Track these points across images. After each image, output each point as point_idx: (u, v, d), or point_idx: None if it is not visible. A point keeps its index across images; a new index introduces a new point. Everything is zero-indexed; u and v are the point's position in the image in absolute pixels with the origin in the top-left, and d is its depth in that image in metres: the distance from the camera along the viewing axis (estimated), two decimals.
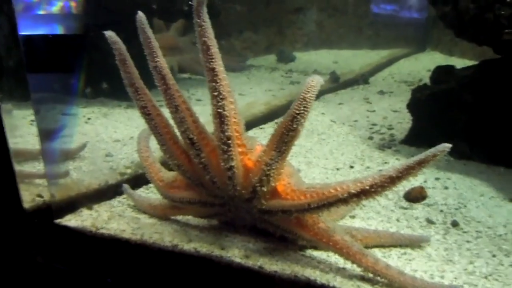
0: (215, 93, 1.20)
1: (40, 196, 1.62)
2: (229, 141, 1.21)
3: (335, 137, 2.48)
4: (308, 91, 1.10)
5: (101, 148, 2.04)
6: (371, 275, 1.19)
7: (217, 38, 1.21)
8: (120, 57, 1.31)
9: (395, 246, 1.37)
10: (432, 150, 1.05)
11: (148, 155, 1.54)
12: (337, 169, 2.00)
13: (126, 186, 1.63)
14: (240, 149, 1.25)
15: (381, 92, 3.55)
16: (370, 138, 2.46)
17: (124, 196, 1.68)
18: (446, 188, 1.83)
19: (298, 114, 1.12)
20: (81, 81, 2.29)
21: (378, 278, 1.18)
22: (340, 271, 1.24)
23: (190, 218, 1.53)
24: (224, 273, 1.31)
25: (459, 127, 2.09)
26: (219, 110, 1.21)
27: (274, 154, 1.19)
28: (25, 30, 1.78)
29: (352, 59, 4.86)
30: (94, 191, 1.68)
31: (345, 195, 1.13)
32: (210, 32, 1.19)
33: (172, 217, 1.53)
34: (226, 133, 1.21)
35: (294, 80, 4.02)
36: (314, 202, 1.17)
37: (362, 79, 3.91)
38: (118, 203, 1.64)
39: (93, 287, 1.50)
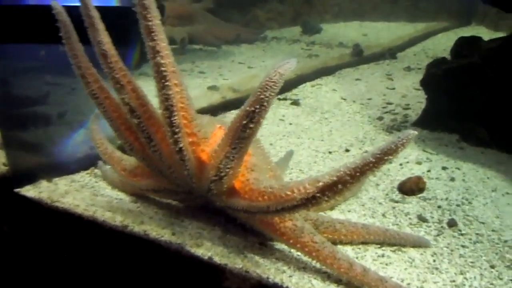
0: (157, 74, 1.04)
1: (5, 165, 1.56)
2: (176, 130, 1.06)
3: (339, 116, 2.24)
4: (267, 88, 0.91)
5: (77, 120, 1.94)
6: (343, 278, 1.03)
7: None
8: (64, 30, 1.18)
9: (389, 245, 1.18)
10: (395, 140, 0.84)
11: (105, 147, 1.43)
12: (330, 152, 1.79)
13: (101, 163, 1.56)
14: (190, 139, 1.10)
15: (408, 68, 3.23)
16: (380, 118, 2.20)
17: (88, 171, 1.59)
18: (452, 179, 1.57)
19: (253, 111, 0.95)
20: (136, 54, 2.22)
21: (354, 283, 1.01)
22: (299, 270, 1.09)
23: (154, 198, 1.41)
24: (172, 260, 1.20)
25: (478, 108, 1.80)
26: (162, 95, 1.05)
27: (230, 150, 1.03)
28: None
29: (384, 32, 4.48)
30: (57, 163, 1.60)
31: (303, 197, 0.95)
32: (150, 3, 1.02)
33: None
34: (173, 122, 1.06)
35: (314, 53, 3.75)
36: (273, 205, 1.01)
37: (389, 53, 3.58)
38: (80, 178, 1.56)
39: (50, 259, 1.45)
